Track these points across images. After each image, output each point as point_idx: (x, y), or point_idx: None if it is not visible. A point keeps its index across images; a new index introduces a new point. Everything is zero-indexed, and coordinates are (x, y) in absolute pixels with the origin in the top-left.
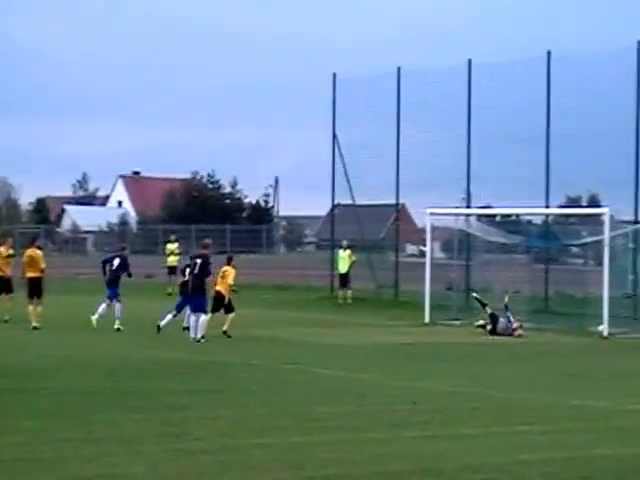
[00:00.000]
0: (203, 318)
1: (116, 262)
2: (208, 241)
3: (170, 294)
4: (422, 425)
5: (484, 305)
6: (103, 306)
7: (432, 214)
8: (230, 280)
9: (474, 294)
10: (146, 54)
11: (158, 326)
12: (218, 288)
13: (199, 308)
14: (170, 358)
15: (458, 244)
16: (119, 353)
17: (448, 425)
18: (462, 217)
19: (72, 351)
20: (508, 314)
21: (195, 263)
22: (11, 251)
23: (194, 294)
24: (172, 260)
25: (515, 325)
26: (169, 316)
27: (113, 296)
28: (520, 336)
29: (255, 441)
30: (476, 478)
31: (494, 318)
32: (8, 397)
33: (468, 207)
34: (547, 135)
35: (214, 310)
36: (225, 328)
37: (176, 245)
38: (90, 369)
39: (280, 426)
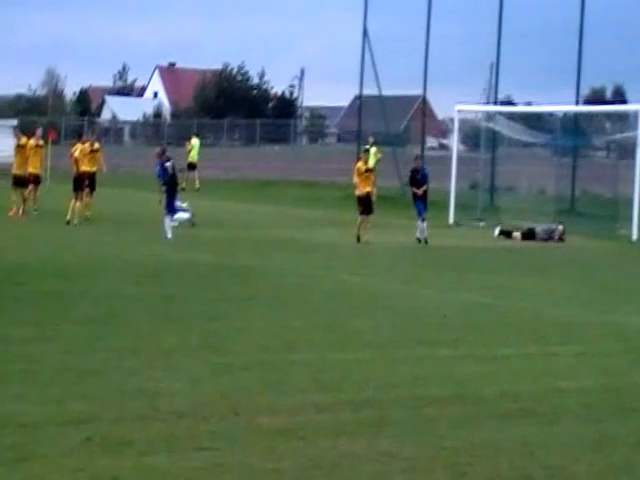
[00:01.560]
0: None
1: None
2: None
3: (183, 189)
4: (454, 344)
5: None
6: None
7: (460, 111)
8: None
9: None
10: None
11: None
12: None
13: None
14: (205, 261)
15: (482, 139)
16: (158, 254)
17: (481, 344)
18: (484, 111)
19: (112, 250)
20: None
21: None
22: (40, 142)
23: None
24: (192, 155)
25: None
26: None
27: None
28: (561, 240)
29: (291, 357)
30: (514, 407)
31: (530, 231)
32: (46, 300)
33: (489, 99)
34: (581, 25)
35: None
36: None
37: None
38: (130, 271)
39: (314, 340)
